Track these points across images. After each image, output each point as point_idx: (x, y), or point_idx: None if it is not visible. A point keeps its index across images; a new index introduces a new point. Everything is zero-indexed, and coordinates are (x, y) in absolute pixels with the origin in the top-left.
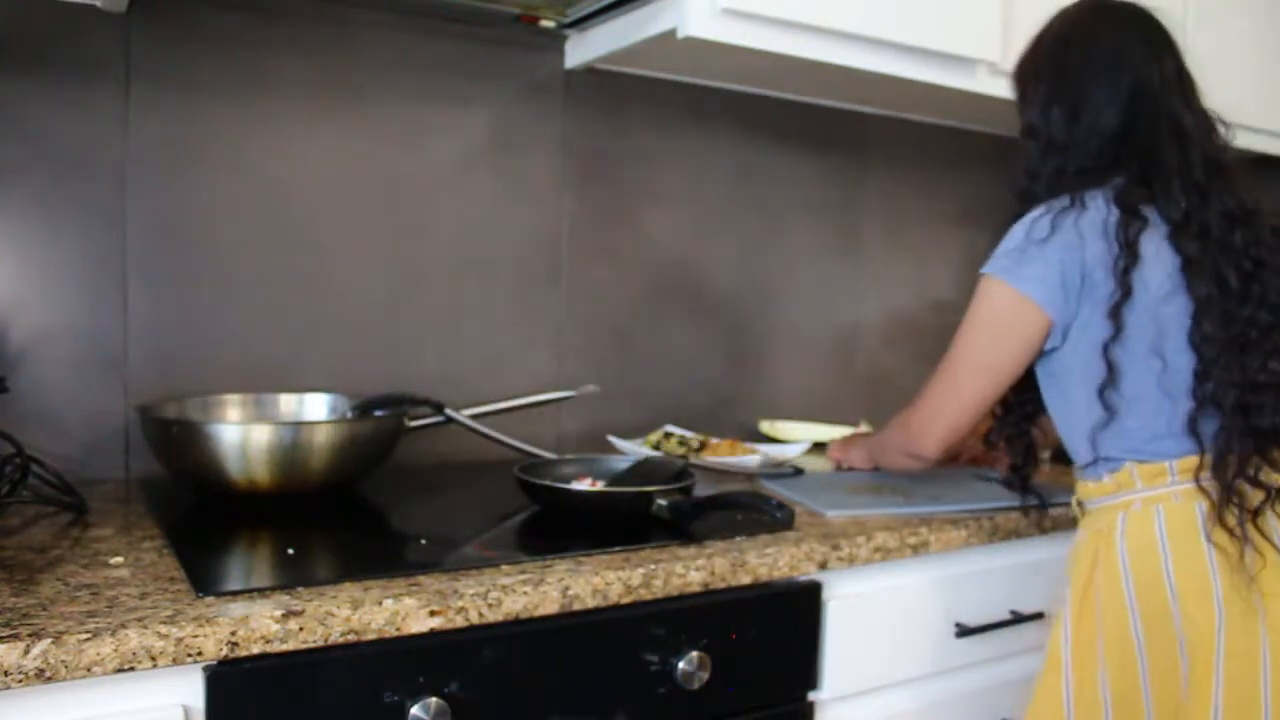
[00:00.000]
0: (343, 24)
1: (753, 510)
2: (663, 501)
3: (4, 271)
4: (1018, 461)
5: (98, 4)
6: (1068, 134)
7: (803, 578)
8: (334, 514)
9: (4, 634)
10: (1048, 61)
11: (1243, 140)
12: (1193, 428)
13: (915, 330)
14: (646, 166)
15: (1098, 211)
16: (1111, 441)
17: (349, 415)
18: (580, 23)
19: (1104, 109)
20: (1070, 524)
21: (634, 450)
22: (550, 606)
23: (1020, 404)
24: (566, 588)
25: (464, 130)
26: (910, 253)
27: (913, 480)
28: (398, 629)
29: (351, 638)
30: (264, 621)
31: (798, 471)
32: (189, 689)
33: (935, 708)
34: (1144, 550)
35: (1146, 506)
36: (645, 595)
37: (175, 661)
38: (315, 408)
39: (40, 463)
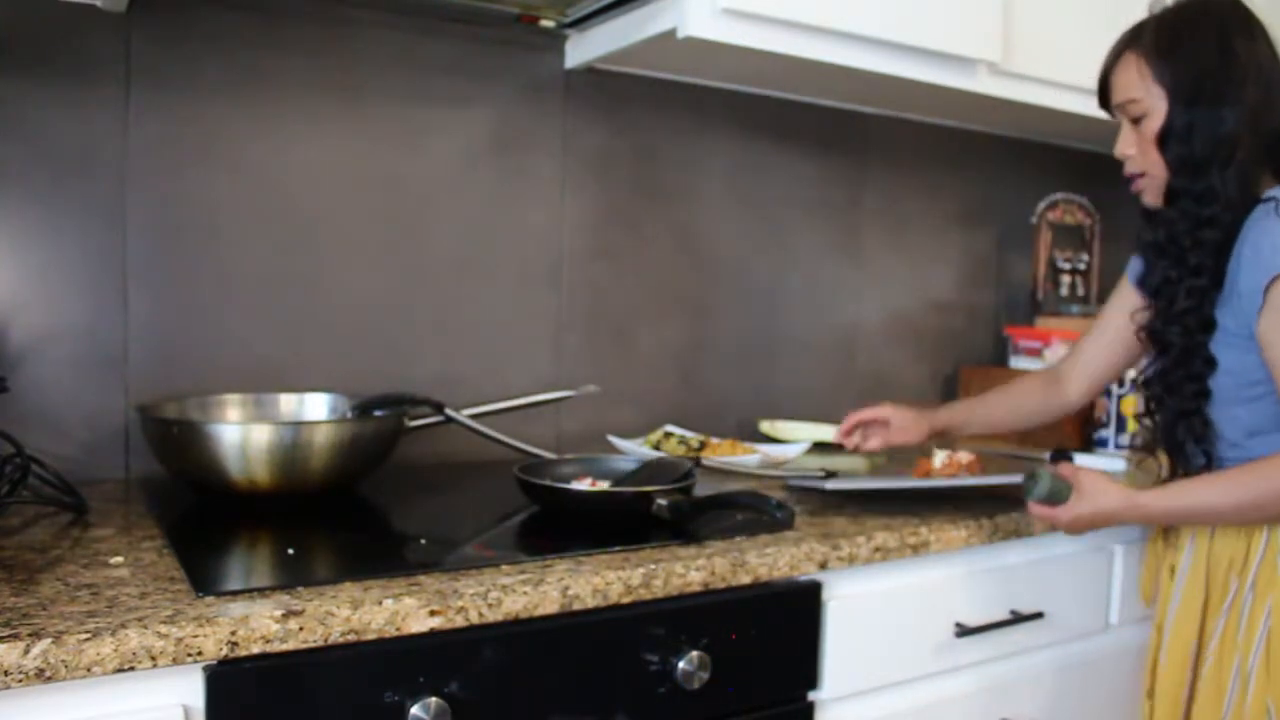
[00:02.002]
0: (343, 24)
1: (753, 510)
2: (663, 501)
3: (4, 271)
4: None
5: (98, 4)
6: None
7: (803, 578)
8: (334, 514)
9: (4, 634)
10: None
11: None
12: None
13: (915, 330)
14: (646, 166)
15: None
16: None
17: (349, 415)
18: (580, 23)
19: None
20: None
21: (634, 450)
22: (550, 606)
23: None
24: (566, 588)
25: (464, 130)
26: (910, 253)
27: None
28: (398, 629)
29: (351, 638)
30: (264, 621)
31: (829, 475)
32: (189, 689)
33: (935, 708)
34: None
35: None
36: (645, 595)
37: (175, 661)
38: (315, 408)
39: (40, 463)
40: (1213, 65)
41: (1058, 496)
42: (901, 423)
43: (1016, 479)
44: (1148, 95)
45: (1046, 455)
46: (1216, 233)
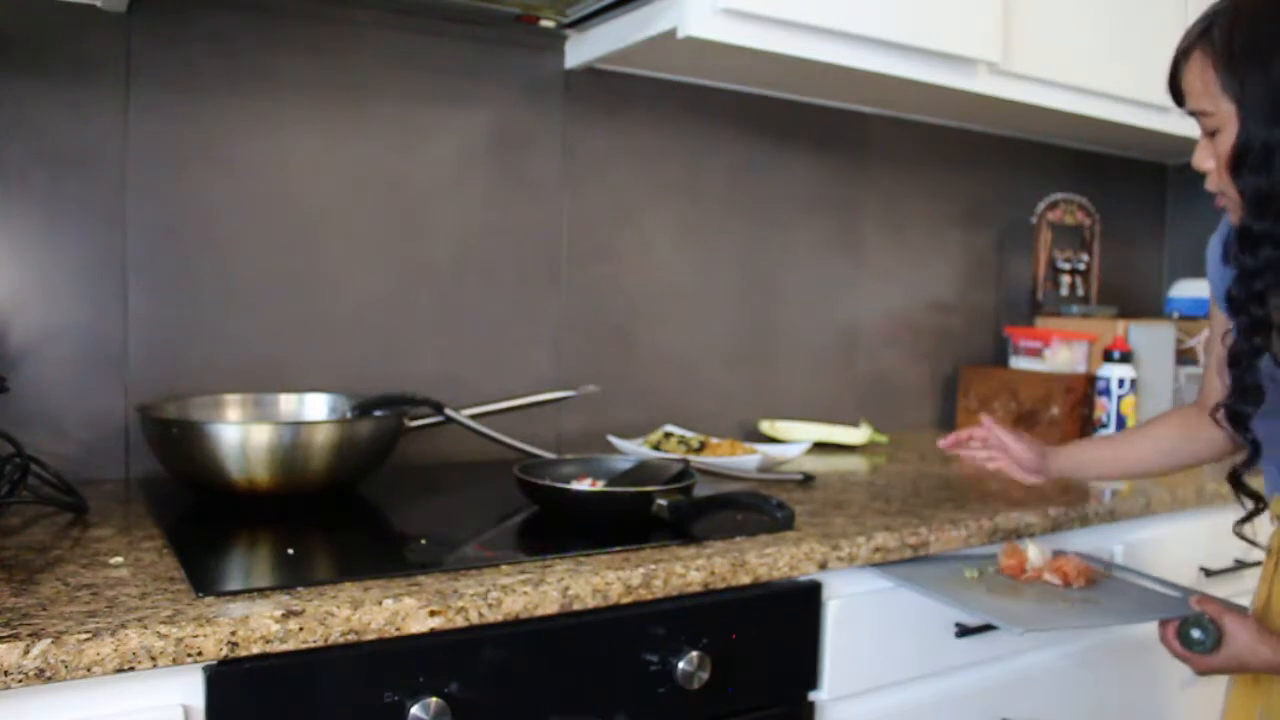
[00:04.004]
0: (343, 24)
1: (753, 510)
2: (663, 501)
3: (4, 271)
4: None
5: (98, 4)
6: None
7: (803, 578)
8: (334, 514)
9: (4, 634)
10: None
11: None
12: None
13: (915, 330)
14: (646, 166)
15: None
16: None
17: (349, 415)
18: (580, 23)
19: None
20: (1071, 523)
21: (634, 450)
22: (550, 606)
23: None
24: (566, 588)
25: (464, 130)
26: (910, 252)
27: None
28: (398, 629)
29: (351, 638)
30: (264, 621)
31: (808, 478)
32: (189, 689)
33: (935, 708)
34: None
35: None
36: (645, 595)
37: (175, 661)
38: (315, 408)
39: (40, 463)
40: None
41: (1208, 647)
42: (1023, 457)
43: (1159, 616)
44: (1217, 109)
45: (1191, 598)
46: None
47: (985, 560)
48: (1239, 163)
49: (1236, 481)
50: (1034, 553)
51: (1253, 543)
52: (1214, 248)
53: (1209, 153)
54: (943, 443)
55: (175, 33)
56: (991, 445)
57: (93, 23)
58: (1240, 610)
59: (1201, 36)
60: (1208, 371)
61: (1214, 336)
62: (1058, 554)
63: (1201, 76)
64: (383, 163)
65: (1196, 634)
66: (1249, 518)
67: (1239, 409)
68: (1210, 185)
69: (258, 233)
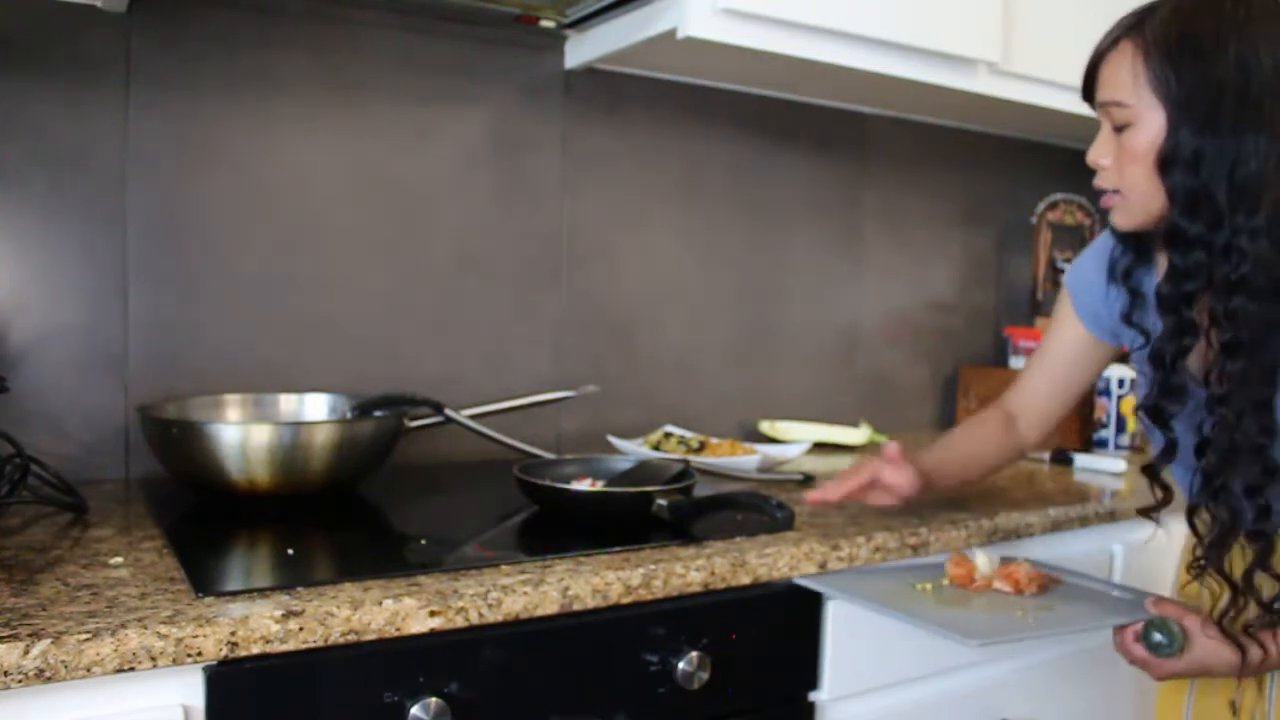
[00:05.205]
0: (343, 24)
1: (753, 510)
2: (663, 502)
3: (4, 271)
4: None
5: (98, 4)
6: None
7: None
8: (334, 514)
9: (4, 634)
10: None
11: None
12: None
13: (915, 330)
14: (646, 166)
15: None
16: None
17: (349, 415)
18: (580, 23)
19: None
20: (1070, 523)
21: (634, 450)
22: (550, 606)
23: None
24: (566, 588)
25: (464, 130)
26: (910, 253)
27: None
28: (398, 629)
29: (351, 638)
30: (264, 621)
31: (808, 478)
32: (189, 689)
33: (935, 708)
34: None
35: None
36: (645, 595)
37: (175, 662)
38: (315, 408)
39: (40, 463)
40: (1229, 78)
41: (1173, 650)
42: (896, 481)
43: (1117, 621)
44: (1138, 102)
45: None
46: (1254, 305)
47: (932, 568)
48: (1168, 162)
49: (1153, 474)
50: (983, 561)
51: (1152, 517)
52: (1086, 269)
53: (1110, 148)
54: (828, 501)
55: (175, 32)
56: (864, 485)
57: (92, 23)
58: (1197, 611)
59: (1132, 29)
60: (1029, 374)
61: (1048, 345)
62: (1006, 561)
63: (1131, 69)
64: (382, 163)
65: (1159, 637)
66: (1157, 508)
67: (1162, 405)
68: (1103, 182)
69: (258, 232)
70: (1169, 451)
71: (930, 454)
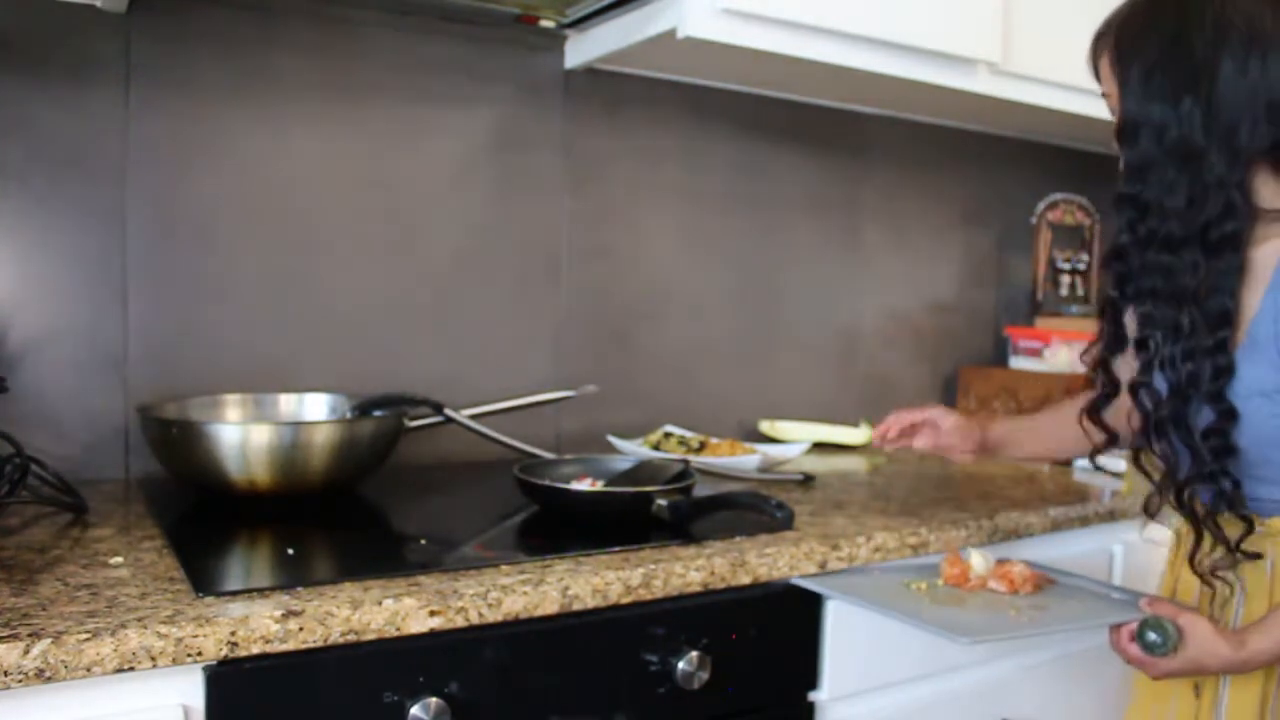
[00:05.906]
0: (343, 23)
1: (753, 510)
2: (663, 501)
3: (4, 271)
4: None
5: (98, 4)
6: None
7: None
8: (334, 514)
9: (4, 634)
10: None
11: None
12: None
13: (915, 330)
14: (646, 166)
15: None
16: None
17: (349, 415)
18: (580, 23)
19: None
20: (1071, 523)
21: (634, 450)
22: (550, 606)
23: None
24: (566, 588)
25: (464, 130)
26: (910, 253)
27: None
28: (398, 629)
29: (351, 638)
30: (264, 621)
31: (807, 478)
32: (189, 689)
33: (935, 708)
34: None
35: None
36: (645, 595)
37: (175, 661)
38: (315, 408)
39: (40, 463)
40: (1160, 57)
41: (1168, 649)
42: (952, 427)
43: (1111, 621)
44: (1113, 92)
45: (1140, 601)
46: (1166, 258)
47: (927, 569)
48: (1118, 137)
49: (1095, 417)
50: (978, 561)
51: (1092, 459)
52: None
53: None
54: (875, 436)
55: (175, 32)
56: (921, 425)
57: (92, 23)
58: (1191, 610)
59: (1104, 32)
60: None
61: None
62: (1001, 561)
63: (1106, 60)
64: (383, 162)
65: (1154, 636)
66: (1096, 452)
67: (1106, 356)
68: None
69: (258, 232)
70: (1107, 397)
71: (1005, 422)
